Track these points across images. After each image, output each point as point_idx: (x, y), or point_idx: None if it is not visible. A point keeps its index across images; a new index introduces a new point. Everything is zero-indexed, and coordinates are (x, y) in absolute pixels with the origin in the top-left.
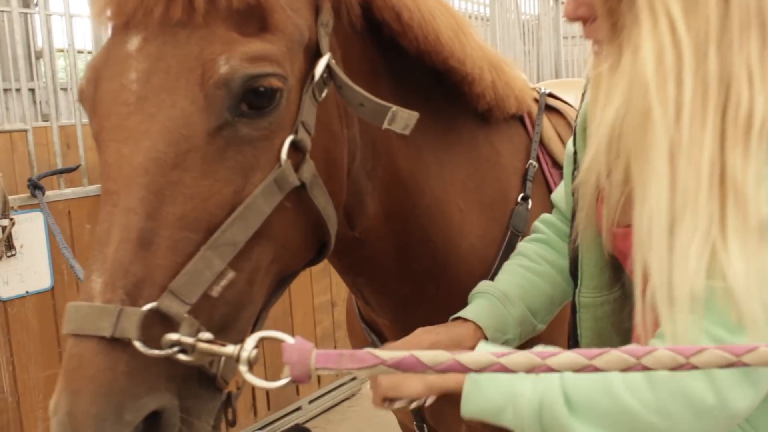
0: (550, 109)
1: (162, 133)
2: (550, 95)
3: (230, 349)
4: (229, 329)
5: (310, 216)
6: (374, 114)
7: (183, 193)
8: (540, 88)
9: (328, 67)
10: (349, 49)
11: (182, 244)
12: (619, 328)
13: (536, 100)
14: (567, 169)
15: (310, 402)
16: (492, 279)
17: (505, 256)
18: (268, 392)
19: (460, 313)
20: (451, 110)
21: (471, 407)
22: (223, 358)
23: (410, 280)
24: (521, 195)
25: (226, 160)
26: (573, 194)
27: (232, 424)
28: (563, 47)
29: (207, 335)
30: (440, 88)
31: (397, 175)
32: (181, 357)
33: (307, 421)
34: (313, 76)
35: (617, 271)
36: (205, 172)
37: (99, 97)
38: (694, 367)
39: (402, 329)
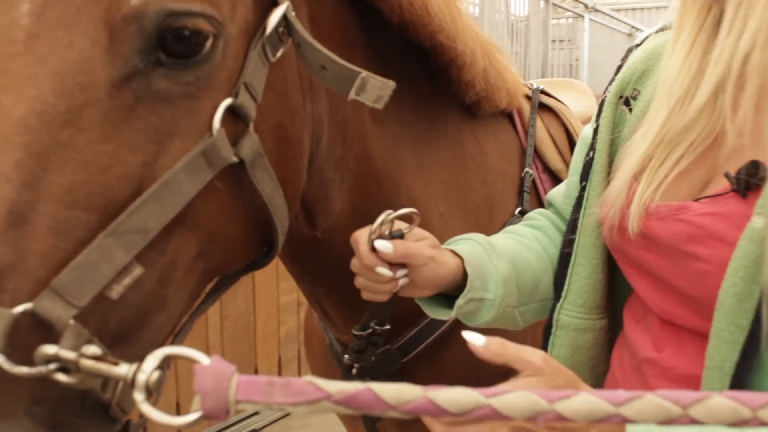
0: (542, 107)
1: (52, 80)
2: (543, 92)
3: (123, 369)
4: (129, 340)
5: (251, 204)
6: (339, 80)
7: (74, 160)
8: (532, 84)
9: (285, 19)
10: (319, 10)
11: (69, 225)
12: (594, 370)
13: (528, 97)
14: (578, 155)
15: None
16: None
17: None
18: None
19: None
20: (436, 99)
21: None
22: (121, 381)
23: None
24: (519, 209)
25: (135, 121)
26: (582, 181)
27: None
28: (551, 50)
29: (94, 349)
30: (424, 71)
31: (371, 167)
32: (60, 378)
33: (264, 427)
34: (264, 29)
35: (610, 294)
36: (106, 134)
37: None
38: (763, 424)
39: None
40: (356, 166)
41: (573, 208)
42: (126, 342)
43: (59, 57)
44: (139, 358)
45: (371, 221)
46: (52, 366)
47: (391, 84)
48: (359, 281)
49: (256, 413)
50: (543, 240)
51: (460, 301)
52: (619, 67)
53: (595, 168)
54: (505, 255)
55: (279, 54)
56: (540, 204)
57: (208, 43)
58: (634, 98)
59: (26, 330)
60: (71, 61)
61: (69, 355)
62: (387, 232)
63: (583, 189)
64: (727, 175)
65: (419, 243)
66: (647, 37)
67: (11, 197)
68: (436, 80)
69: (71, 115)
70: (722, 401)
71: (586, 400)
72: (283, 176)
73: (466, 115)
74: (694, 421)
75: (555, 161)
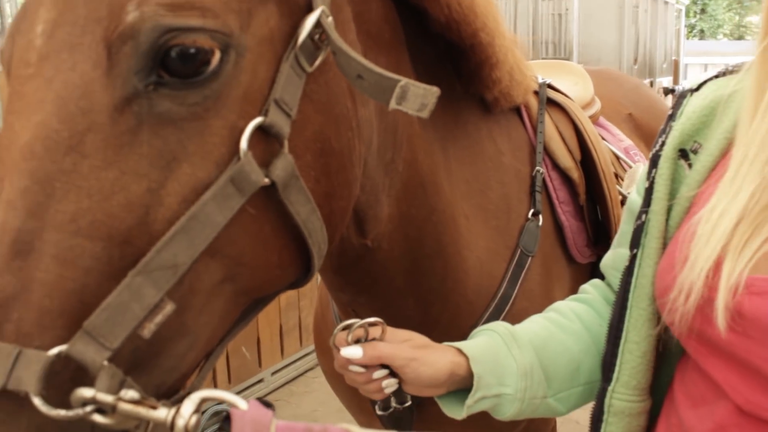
0: (549, 102)
1: (56, 104)
2: (550, 86)
3: (162, 413)
4: (146, 368)
5: (283, 226)
6: (377, 89)
7: (77, 187)
8: (538, 78)
9: (319, 24)
10: (365, 8)
11: (73, 254)
12: None
13: (534, 92)
14: (626, 226)
15: (273, 374)
16: (500, 298)
17: (515, 276)
18: (228, 364)
19: (450, 343)
20: (458, 98)
21: None
22: (151, 423)
23: (416, 298)
24: (531, 211)
25: (139, 146)
26: (632, 249)
27: None
28: (541, 2)
29: (132, 394)
30: (453, 70)
31: (418, 170)
32: (97, 419)
33: (268, 394)
34: (296, 38)
35: (658, 371)
36: (109, 160)
37: (13, 56)
38: None
39: None
40: (405, 169)
41: (622, 278)
42: (143, 369)
43: (63, 80)
44: (157, 386)
45: (416, 227)
46: (88, 408)
47: (434, 91)
48: (347, 377)
49: (260, 381)
50: (587, 316)
51: (468, 401)
52: (671, 116)
53: (650, 233)
54: (530, 344)
55: (317, 63)
56: (550, 204)
57: (215, 59)
58: (695, 152)
59: (59, 372)
60: (73, 85)
61: (107, 398)
62: (363, 339)
63: (633, 257)
64: None
65: (400, 345)
66: (705, 82)
67: (16, 225)
68: (462, 79)
69: (74, 140)
70: None
71: None
72: (328, 191)
73: (483, 112)
74: None
75: (564, 159)
